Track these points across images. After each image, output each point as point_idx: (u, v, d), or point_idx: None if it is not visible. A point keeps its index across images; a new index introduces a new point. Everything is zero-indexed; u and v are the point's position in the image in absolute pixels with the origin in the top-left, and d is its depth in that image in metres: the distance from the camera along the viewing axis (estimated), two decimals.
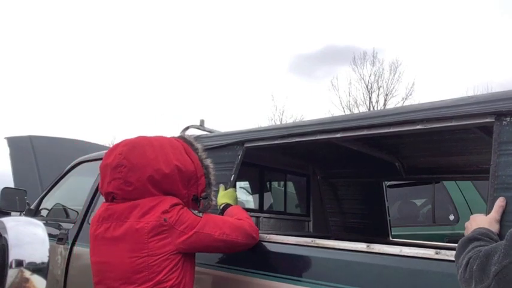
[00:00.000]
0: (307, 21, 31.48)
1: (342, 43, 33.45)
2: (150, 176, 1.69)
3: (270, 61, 32.82)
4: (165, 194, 1.74)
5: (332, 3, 30.60)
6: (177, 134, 2.05)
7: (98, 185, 3.03)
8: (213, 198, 1.89)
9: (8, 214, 3.55)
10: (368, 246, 1.59)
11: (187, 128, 2.61)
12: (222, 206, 2.04)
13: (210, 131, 2.65)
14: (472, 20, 28.04)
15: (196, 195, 1.84)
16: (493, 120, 1.45)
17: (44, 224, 2.89)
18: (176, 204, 1.71)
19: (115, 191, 1.74)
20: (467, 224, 1.34)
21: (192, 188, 1.81)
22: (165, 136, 1.90)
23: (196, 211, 1.79)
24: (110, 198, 1.78)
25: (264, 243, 1.91)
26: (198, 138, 2.13)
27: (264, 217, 3.07)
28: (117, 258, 1.66)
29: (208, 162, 1.89)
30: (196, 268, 2.02)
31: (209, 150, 2.36)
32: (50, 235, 2.96)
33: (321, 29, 31.40)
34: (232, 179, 2.17)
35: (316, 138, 1.95)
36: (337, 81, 27.07)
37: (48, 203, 3.65)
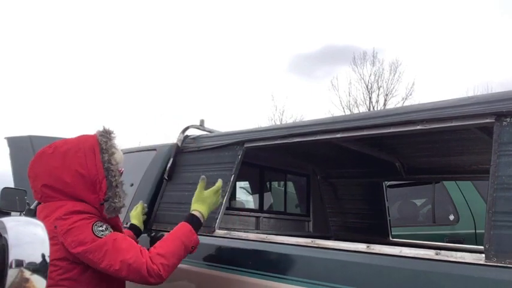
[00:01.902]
0: (306, 20, 31.49)
1: (341, 43, 33.40)
2: (44, 184, 1.72)
3: (269, 61, 32.80)
4: (74, 199, 1.72)
5: (331, 2, 30.61)
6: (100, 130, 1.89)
7: None
8: (117, 200, 1.73)
9: (8, 214, 3.55)
10: (368, 246, 1.59)
11: (187, 128, 2.61)
12: (191, 213, 1.89)
13: (210, 131, 2.65)
14: (472, 20, 28.04)
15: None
16: (493, 120, 1.45)
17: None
18: (77, 212, 1.67)
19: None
20: None
21: (100, 193, 1.74)
22: (81, 136, 1.86)
23: (103, 227, 1.67)
24: None
25: (264, 244, 1.91)
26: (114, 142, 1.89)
27: (264, 217, 3.07)
28: None
29: (111, 164, 1.77)
30: (194, 268, 2.02)
31: (209, 150, 2.36)
32: None
33: (320, 28, 31.39)
34: (232, 179, 2.17)
35: (317, 138, 1.95)
36: (337, 81, 27.14)
37: None
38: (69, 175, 1.72)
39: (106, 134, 1.84)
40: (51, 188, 1.72)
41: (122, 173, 1.86)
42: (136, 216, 2.31)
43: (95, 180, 1.74)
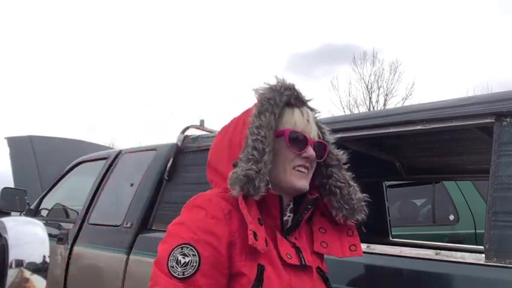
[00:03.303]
0: (303, 19, 31.52)
1: (340, 42, 33.48)
2: (208, 163, 1.30)
3: (267, 60, 32.81)
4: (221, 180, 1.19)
5: (329, 1, 30.60)
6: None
7: (98, 184, 3.06)
8: (244, 165, 1.08)
9: (8, 214, 3.55)
10: (368, 246, 1.59)
11: (187, 128, 2.61)
12: None
13: (210, 131, 2.65)
14: (472, 20, 28.07)
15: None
16: (493, 120, 1.45)
17: (44, 224, 2.89)
18: (189, 209, 1.15)
19: None
20: None
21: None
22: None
23: (189, 258, 1.02)
24: None
25: None
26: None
27: None
28: None
29: (259, 127, 1.15)
30: None
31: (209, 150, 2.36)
32: (50, 235, 2.95)
33: (318, 27, 31.46)
34: None
35: None
36: (337, 81, 27.17)
37: (48, 203, 3.65)
38: (217, 144, 1.28)
39: (276, 88, 1.24)
40: (209, 166, 1.27)
41: (299, 138, 1.21)
42: None
43: (237, 146, 1.18)
